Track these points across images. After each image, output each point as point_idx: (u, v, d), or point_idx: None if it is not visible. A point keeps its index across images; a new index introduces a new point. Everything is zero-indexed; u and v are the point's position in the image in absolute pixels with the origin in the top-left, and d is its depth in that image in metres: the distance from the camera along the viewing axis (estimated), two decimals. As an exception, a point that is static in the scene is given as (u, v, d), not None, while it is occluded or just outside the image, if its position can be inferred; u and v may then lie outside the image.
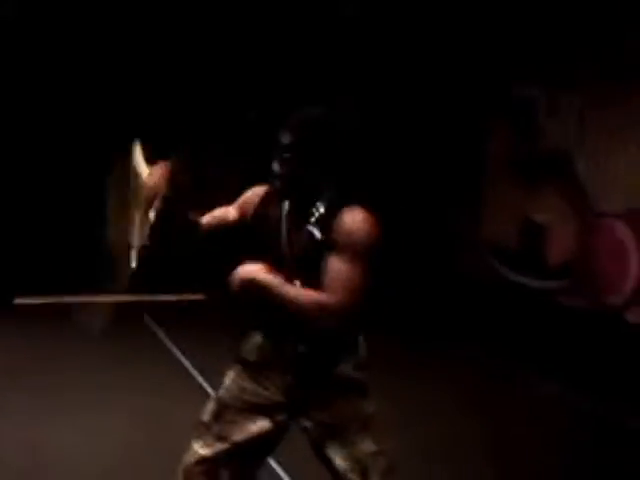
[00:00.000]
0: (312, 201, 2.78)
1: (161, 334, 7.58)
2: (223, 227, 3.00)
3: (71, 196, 9.42)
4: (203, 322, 8.25)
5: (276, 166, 2.79)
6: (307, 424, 2.89)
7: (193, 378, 6.27)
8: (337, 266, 2.70)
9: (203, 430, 2.92)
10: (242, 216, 3.00)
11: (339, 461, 2.83)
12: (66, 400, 5.64)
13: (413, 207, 9.85)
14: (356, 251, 2.71)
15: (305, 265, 2.77)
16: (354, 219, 2.72)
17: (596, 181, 7.70)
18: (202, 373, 6.29)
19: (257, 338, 2.95)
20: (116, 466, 4.53)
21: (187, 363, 6.63)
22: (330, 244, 2.73)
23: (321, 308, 2.67)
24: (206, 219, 3.01)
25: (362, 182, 3.01)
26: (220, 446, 2.87)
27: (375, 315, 7.97)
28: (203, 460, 2.87)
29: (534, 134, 8.53)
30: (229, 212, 3.03)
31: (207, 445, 2.89)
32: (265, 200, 2.93)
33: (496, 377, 6.98)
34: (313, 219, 2.77)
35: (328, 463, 2.87)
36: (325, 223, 2.75)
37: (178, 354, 6.89)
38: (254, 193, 3.01)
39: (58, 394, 5.74)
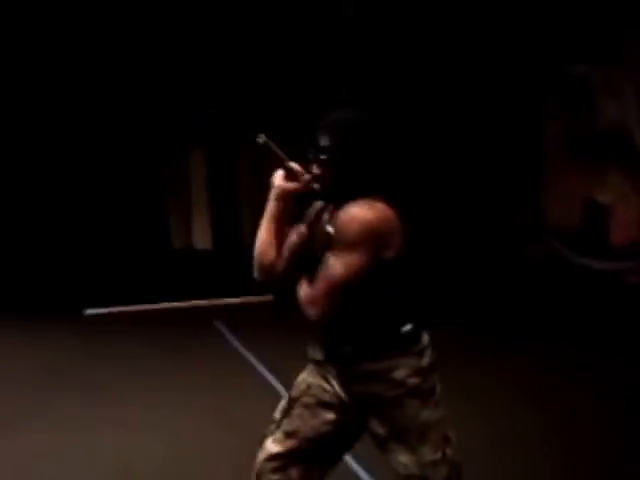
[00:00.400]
0: (341, 199, 2.75)
1: (231, 337, 7.70)
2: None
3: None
4: (272, 324, 8.33)
5: (314, 168, 2.79)
6: (375, 429, 2.85)
7: (265, 379, 6.36)
8: (327, 260, 2.69)
9: (274, 427, 2.94)
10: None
11: (400, 468, 2.81)
12: (146, 401, 5.79)
13: (475, 196, 9.81)
14: (345, 244, 2.65)
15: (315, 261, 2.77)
16: (349, 212, 2.68)
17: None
18: (274, 374, 6.38)
19: (316, 338, 2.94)
20: (196, 465, 4.64)
21: (258, 364, 6.72)
22: (330, 242, 2.72)
23: (302, 300, 2.73)
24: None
25: (391, 178, 2.96)
26: (290, 443, 2.87)
27: (442, 306, 8.12)
28: (274, 457, 2.88)
29: (591, 113, 8.44)
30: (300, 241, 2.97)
31: (278, 442, 2.89)
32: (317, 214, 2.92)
33: (565, 363, 6.90)
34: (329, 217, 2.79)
35: (391, 466, 2.86)
36: (333, 219, 2.75)
37: (248, 355, 7.00)
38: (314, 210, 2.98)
39: (137, 397, 5.89)
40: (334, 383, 2.86)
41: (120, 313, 8.83)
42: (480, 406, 5.48)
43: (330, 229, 2.73)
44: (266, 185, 2.89)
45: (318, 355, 2.91)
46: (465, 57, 9.66)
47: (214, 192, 10.67)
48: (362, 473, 4.29)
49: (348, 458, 4.14)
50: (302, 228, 2.93)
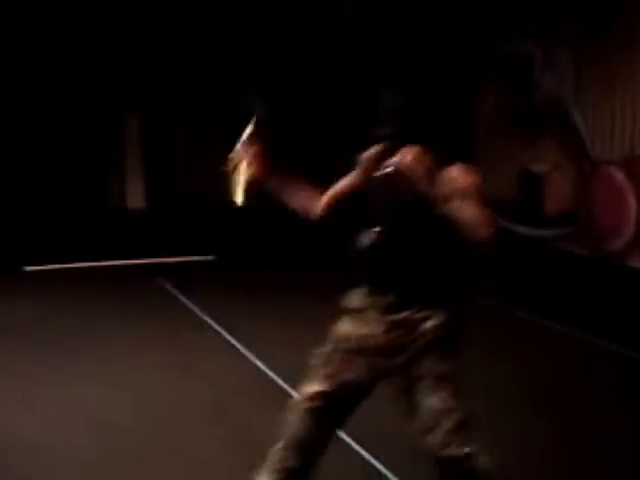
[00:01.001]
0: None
1: (177, 294, 7.74)
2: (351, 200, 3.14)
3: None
4: (213, 282, 8.41)
5: (385, 130, 2.97)
6: (400, 373, 3.01)
7: (217, 332, 6.46)
8: (466, 208, 2.85)
9: (313, 372, 3.12)
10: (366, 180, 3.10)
11: (418, 412, 2.96)
12: (102, 356, 5.81)
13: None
14: (470, 196, 2.88)
15: (404, 218, 2.93)
16: (456, 171, 2.93)
17: (593, 131, 7.92)
18: (224, 328, 6.48)
19: (359, 289, 3.11)
20: (164, 415, 4.72)
21: (207, 318, 6.79)
22: (438, 198, 2.85)
23: (487, 229, 2.85)
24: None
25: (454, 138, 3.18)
26: (328, 384, 3.05)
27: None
28: (311, 396, 3.07)
29: (530, 87, 8.72)
30: (352, 182, 3.15)
31: (316, 383, 3.08)
32: (378, 160, 3.01)
33: (501, 319, 7.12)
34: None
35: (409, 412, 3.01)
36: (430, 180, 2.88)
37: (197, 310, 7.05)
38: (372, 154, 3.10)
39: (93, 353, 5.90)
40: (371, 329, 3.03)
41: (61, 270, 8.78)
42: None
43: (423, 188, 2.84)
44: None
45: (354, 303, 3.09)
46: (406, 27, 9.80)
47: (148, 154, 10.72)
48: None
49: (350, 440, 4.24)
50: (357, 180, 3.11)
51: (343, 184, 3.17)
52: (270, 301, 7.37)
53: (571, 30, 8.13)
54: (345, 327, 3.11)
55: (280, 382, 5.23)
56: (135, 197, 10.66)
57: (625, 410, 4.85)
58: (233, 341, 6.17)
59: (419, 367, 2.96)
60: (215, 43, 9.74)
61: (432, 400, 2.92)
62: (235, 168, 3.21)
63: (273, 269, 8.92)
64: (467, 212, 2.84)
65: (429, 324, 2.95)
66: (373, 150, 3.09)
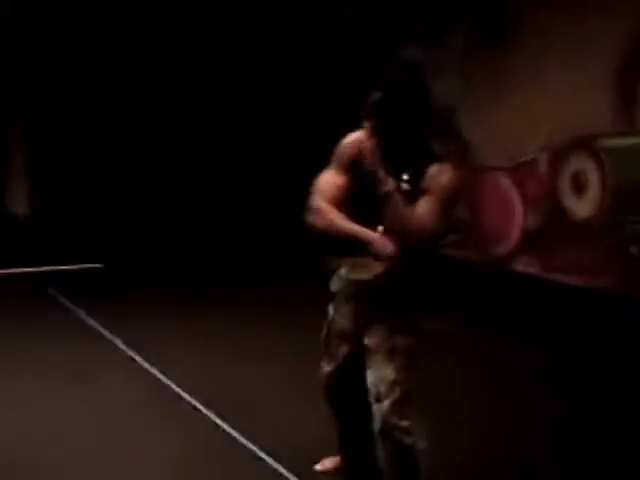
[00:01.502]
0: (406, 157, 3.15)
1: (67, 303, 7.52)
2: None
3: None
4: (102, 289, 8.22)
5: (371, 123, 3.13)
6: (364, 345, 3.31)
7: (108, 340, 6.33)
8: (425, 202, 3.09)
9: (323, 353, 3.56)
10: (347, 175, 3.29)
11: (368, 383, 3.26)
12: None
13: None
14: (441, 198, 3.10)
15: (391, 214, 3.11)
16: (442, 170, 3.15)
17: (481, 137, 8.13)
18: (116, 335, 6.36)
19: (339, 272, 3.42)
20: (62, 430, 4.60)
21: (99, 327, 6.63)
22: (419, 193, 3.10)
23: (418, 226, 3.07)
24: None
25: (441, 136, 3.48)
26: (335, 363, 3.49)
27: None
28: (328, 375, 3.53)
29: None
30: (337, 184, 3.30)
31: (327, 363, 3.53)
32: (363, 151, 3.16)
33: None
34: (405, 176, 3.13)
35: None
36: (416, 177, 3.13)
37: (89, 320, 6.88)
38: (349, 145, 3.29)
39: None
40: (344, 312, 3.40)
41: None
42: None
43: (409, 182, 3.11)
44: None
45: (335, 287, 3.43)
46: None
47: (33, 157, 10.41)
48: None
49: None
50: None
51: (329, 187, 3.29)
52: (166, 311, 7.26)
53: (461, 38, 8.33)
54: (330, 310, 3.50)
55: (180, 392, 5.18)
56: (19, 202, 10.35)
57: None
58: (130, 352, 6.06)
59: (377, 338, 3.24)
60: (107, 43, 9.54)
61: (383, 371, 3.19)
62: None
63: (169, 278, 8.77)
64: (424, 205, 3.08)
65: (388, 299, 3.22)
66: (349, 141, 3.28)
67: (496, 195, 7.96)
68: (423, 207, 3.06)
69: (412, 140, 3.17)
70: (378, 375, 3.20)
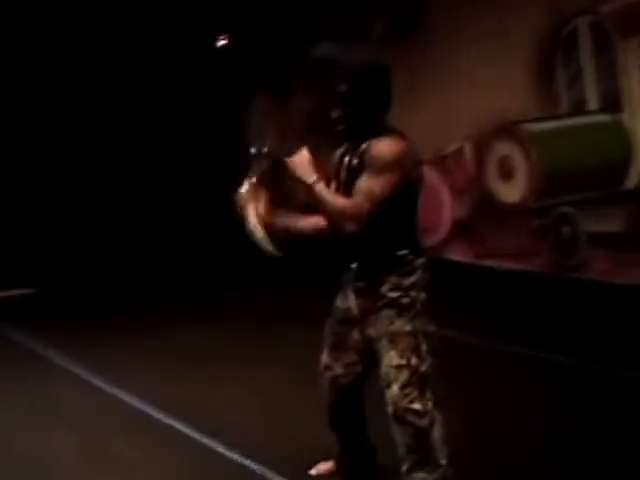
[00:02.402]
0: (363, 138, 3.21)
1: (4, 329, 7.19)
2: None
3: None
4: (46, 316, 7.83)
5: (337, 112, 3.25)
6: (367, 335, 3.34)
7: (53, 361, 6.12)
8: (362, 181, 3.14)
9: (324, 343, 3.53)
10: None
11: (379, 370, 3.27)
12: None
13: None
14: (382, 166, 3.10)
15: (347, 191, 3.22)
16: (382, 142, 3.15)
17: (405, 131, 8.17)
18: (62, 356, 6.14)
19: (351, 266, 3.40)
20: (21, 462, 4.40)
21: (49, 355, 6.36)
22: (362, 168, 3.15)
23: (341, 211, 3.16)
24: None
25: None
26: (334, 354, 3.47)
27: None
28: (326, 366, 3.50)
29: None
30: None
31: (327, 354, 3.51)
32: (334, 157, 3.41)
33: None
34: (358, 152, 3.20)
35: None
36: (362, 153, 3.18)
37: (34, 347, 6.59)
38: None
39: None
40: (350, 301, 3.40)
41: None
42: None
43: (355, 161, 3.20)
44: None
45: (344, 279, 3.42)
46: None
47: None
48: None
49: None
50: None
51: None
52: (112, 331, 7.01)
53: (376, 33, 8.39)
54: (336, 301, 3.50)
55: (144, 409, 5.05)
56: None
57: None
58: (84, 375, 5.84)
59: (377, 328, 3.26)
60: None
61: (388, 357, 3.21)
62: (242, 213, 3.40)
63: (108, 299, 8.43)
64: (359, 187, 3.13)
65: (382, 289, 3.24)
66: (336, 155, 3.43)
67: (424, 187, 8.02)
68: (357, 189, 3.14)
69: (374, 125, 3.25)
70: (384, 362, 3.23)
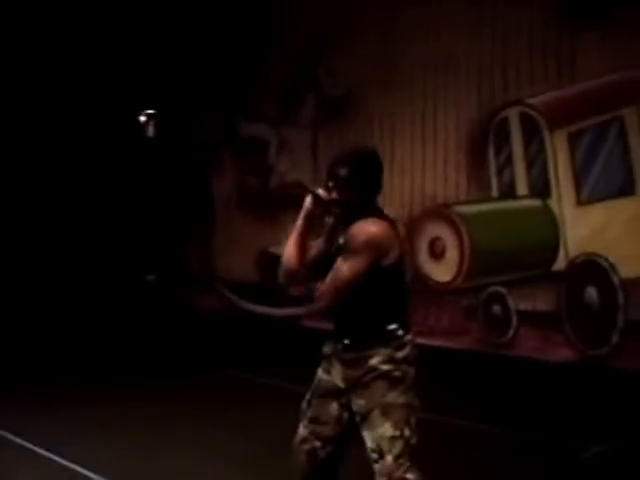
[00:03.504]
0: (353, 219, 3.26)
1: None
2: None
3: None
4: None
5: (335, 195, 3.30)
6: (354, 409, 3.34)
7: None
8: (337, 262, 3.24)
9: (302, 415, 3.49)
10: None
11: (367, 443, 3.26)
12: None
13: (144, 245, 9.94)
14: (353, 251, 3.20)
15: None
16: (359, 226, 3.23)
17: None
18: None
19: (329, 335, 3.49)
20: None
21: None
22: (341, 250, 3.25)
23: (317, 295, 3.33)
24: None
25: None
26: (313, 427, 3.43)
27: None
28: (304, 439, 3.44)
29: (265, 170, 9.08)
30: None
31: (305, 427, 3.46)
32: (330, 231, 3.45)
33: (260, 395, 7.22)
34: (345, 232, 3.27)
35: (364, 444, 3.28)
36: (346, 234, 3.25)
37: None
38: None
39: None
40: (334, 373, 3.42)
41: None
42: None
43: (341, 241, 3.28)
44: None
45: (326, 350, 3.46)
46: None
47: None
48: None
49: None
50: (321, 243, 3.47)
51: (314, 254, 3.46)
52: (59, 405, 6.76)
53: (306, 114, 8.63)
54: (318, 373, 3.50)
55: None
56: None
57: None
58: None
59: (368, 399, 3.27)
60: None
61: (382, 428, 3.22)
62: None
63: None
64: (331, 271, 3.23)
65: (373, 361, 3.27)
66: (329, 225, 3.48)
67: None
68: (334, 268, 3.24)
69: (368, 207, 3.35)
70: (376, 433, 3.25)
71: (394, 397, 3.27)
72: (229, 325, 9.09)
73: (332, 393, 3.42)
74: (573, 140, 6.89)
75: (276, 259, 8.72)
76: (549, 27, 7.01)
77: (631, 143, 6.57)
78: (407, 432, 3.25)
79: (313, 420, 3.45)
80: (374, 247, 3.21)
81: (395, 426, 3.23)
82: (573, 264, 6.86)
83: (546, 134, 7.05)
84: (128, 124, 10.35)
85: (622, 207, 6.61)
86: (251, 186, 9.28)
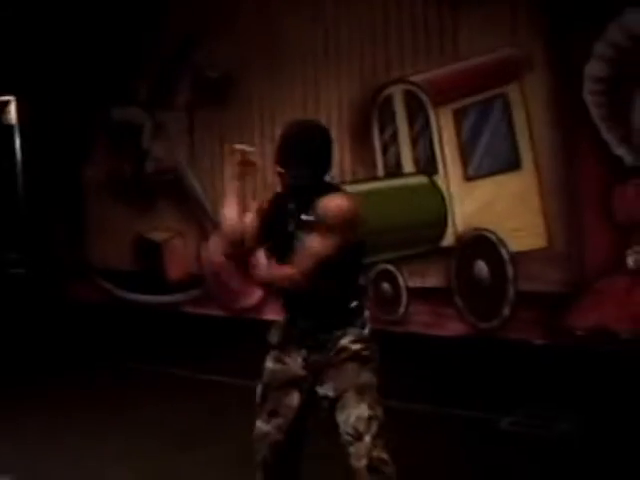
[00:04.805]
0: (312, 198, 3.18)
1: None
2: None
3: None
4: None
5: (295, 170, 3.19)
6: (321, 393, 3.26)
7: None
8: (308, 241, 3.16)
9: (259, 410, 3.40)
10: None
11: (342, 425, 3.19)
12: None
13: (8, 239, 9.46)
14: (331, 225, 3.12)
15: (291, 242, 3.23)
16: (332, 200, 3.17)
17: (213, 195, 8.19)
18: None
19: (278, 323, 3.44)
20: None
21: None
22: (312, 223, 3.16)
23: (288, 278, 3.21)
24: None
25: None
26: (274, 420, 3.35)
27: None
28: (264, 434, 3.37)
29: (139, 156, 8.78)
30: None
31: (264, 421, 3.38)
32: (273, 201, 3.37)
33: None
34: (309, 214, 3.18)
35: (337, 428, 3.21)
36: (314, 208, 3.16)
37: None
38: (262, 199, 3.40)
39: None
40: (289, 361, 3.35)
41: None
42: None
43: (307, 217, 3.18)
44: None
45: (275, 338, 3.41)
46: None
47: None
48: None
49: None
50: (264, 205, 3.36)
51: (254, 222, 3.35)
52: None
53: (182, 98, 8.39)
54: (269, 364, 3.41)
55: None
56: None
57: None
58: None
59: (340, 381, 3.22)
60: None
61: (357, 409, 3.18)
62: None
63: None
64: (305, 248, 3.17)
65: (344, 341, 3.24)
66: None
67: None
68: (308, 244, 3.17)
69: (318, 180, 3.28)
70: (353, 414, 3.18)
71: (367, 377, 3.24)
72: (106, 315, 8.76)
73: (291, 382, 3.34)
74: (458, 117, 6.98)
75: (152, 245, 8.64)
76: (430, 3, 7.04)
77: (515, 119, 6.71)
78: (379, 412, 3.23)
79: (272, 413, 3.37)
80: (351, 223, 3.18)
81: (370, 407, 3.20)
82: (462, 239, 6.96)
83: (431, 111, 7.11)
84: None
85: (508, 182, 6.75)
86: (125, 171, 8.94)
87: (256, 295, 7.94)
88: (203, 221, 8.32)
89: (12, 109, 9.90)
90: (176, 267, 8.61)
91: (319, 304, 3.25)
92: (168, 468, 4.86)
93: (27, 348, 8.21)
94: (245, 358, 7.01)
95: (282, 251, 3.27)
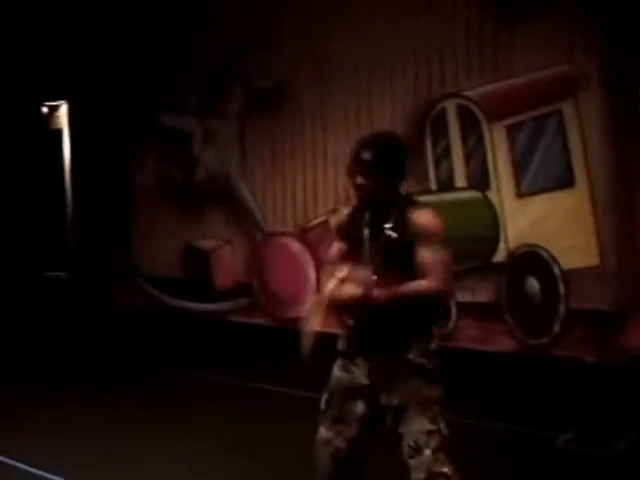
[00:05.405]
0: (388, 208, 3.28)
1: None
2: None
3: None
4: None
5: (360, 179, 3.28)
6: (384, 404, 3.31)
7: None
8: (430, 255, 3.24)
9: (323, 417, 3.47)
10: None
11: (404, 438, 3.25)
12: None
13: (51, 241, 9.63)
14: (434, 240, 3.27)
15: (386, 263, 3.25)
16: (424, 216, 3.30)
17: (264, 204, 8.24)
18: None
19: (347, 332, 3.45)
20: None
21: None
22: (409, 240, 3.22)
23: (435, 292, 3.29)
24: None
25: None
26: (337, 427, 3.40)
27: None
28: (327, 441, 3.42)
29: (190, 163, 8.85)
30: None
31: (328, 428, 3.43)
32: (351, 215, 3.46)
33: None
34: (389, 224, 3.26)
35: (400, 440, 3.27)
36: (400, 224, 3.25)
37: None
38: (340, 216, 3.54)
39: None
40: (356, 370, 3.39)
41: None
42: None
43: (387, 226, 3.26)
44: None
45: (344, 347, 3.44)
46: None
47: None
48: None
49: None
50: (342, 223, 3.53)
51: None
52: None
53: (233, 106, 8.45)
54: (336, 372, 3.46)
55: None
56: None
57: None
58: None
59: (404, 394, 3.27)
60: None
61: (419, 422, 3.23)
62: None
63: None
64: (431, 261, 3.24)
65: (410, 354, 3.29)
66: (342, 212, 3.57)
67: (287, 259, 8.08)
68: (429, 261, 3.23)
69: (394, 192, 3.37)
70: (414, 428, 3.24)
71: (430, 391, 3.28)
72: (152, 322, 8.83)
73: (356, 391, 3.37)
74: (512, 133, 6.98)
75: (201, 253, 8.69)
76: (486, 18, 7.04)
77: (569, 136, 6.69)
78: (442, 426, 3.27)
79: (336, 421, 3.41)
80: (443, 236, 3.33)
81: (432, 420, 3.25)
82: (513, 255, 6.95)
83: (484, 127, 7.11)
84: (33, 116, 9.97)
85: (561, 199, 6.73)
86: (175, 179, 9.02)
87: (306, 304, 7.97)
88: (252, 229, 8.36)
89: (62, 113, 10.01)
90: (224, 275, 8.65)
91: (389, 316, 3.27)
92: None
93: (74, 353, 8.32)
94: (292, 367, 7.14)
95: (356, 256, 3.34)
